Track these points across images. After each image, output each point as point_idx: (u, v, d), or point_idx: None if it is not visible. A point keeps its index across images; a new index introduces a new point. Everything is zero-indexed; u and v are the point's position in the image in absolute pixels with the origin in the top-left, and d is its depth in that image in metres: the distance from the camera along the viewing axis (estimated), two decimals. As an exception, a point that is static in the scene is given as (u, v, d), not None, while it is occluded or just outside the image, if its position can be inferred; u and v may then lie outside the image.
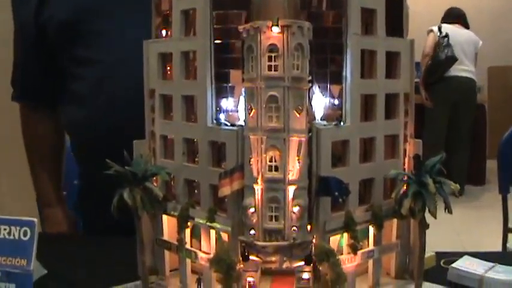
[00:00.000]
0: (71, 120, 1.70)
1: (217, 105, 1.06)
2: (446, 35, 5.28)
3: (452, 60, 5.26)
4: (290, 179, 0.94)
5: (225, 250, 0.99)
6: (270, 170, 0.94)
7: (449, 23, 5.52)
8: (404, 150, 1.14)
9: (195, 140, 1.09)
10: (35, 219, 1.17)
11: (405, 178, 1.04)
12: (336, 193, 0.96)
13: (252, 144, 0.95)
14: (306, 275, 0.98)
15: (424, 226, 1.07)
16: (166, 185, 1.15)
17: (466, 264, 1.19)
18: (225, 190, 0.97)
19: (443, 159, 1.03)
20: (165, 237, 1.16)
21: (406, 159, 1.14)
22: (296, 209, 0.94)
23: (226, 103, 1.07)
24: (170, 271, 1.19)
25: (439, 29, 5.35)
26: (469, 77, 5.44)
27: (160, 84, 1.15)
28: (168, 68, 1.17)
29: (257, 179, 0.94)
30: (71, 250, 1.44)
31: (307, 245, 0.97)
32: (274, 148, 0.93)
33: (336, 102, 1.07)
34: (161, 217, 1.15)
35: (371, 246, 1.09)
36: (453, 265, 1.19)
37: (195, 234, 1.12)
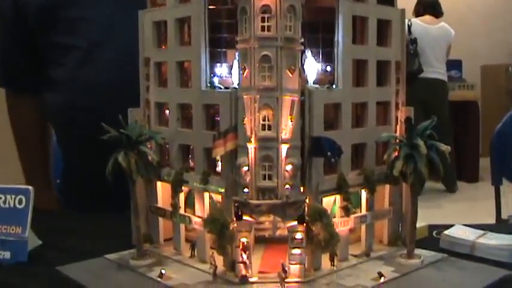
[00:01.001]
0: (50, 106, 1.69)
1: (212, 70, 1.07)
2: (415, 41, 5.03)
3: (419, 72, 5.04)
4: (283, 137, 0.95)
5: (219, 210, 1.00)
6: (263, 128, 0.95)
7: (421, 14, 5.35)
8: (396, 118, 1.15)
9: (191, 113, 1.10)
10: (30, 187, 1.18)
11: (397, 141, 1.05)
12: (329, 153, 0.97)
13: (245, 103, 0.96)
14: (299, 235, 0.99)
15: (416, 191, 1.08)
16: (161, 152, 1.16)
17: (458, 232, 1.20)
18: (219, 151, 0.98)
19: (434, 123, 1.05)
20: (159, 204, 1.16)
21: (398, 127, 1.15)
22: (289, 167, 0.95)
23: (220, 69, 1.09)
24: (164, 241, 1.20)
25: (409, 28, 5.07)
26: (438, 78, 5.30)
27: (155, 52, 1.16)
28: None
29: (250, 138, 0.95)
30: (65, 223, 1.44)
31: (300, 204, 0.98)
32: (267, 107, 0.94)
33: (328, 68, 1.08)
34: (155, 184, 1.16)
35: (364, 212, 1.10)
36: (445, 232, 1.20)
37: (189, 203, 1.13)
